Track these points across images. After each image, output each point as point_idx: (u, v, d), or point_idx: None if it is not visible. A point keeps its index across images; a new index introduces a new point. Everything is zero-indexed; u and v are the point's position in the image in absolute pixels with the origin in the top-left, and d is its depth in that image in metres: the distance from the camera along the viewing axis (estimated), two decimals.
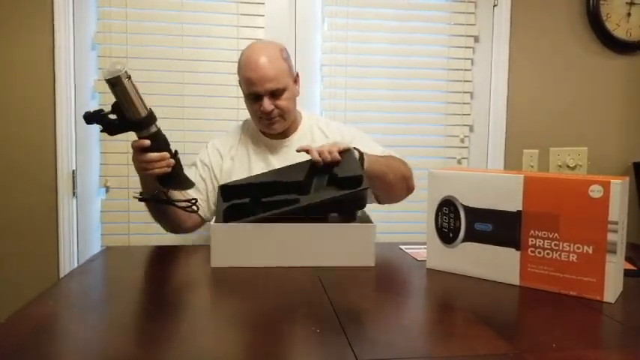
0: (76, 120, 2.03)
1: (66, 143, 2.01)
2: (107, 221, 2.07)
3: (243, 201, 1.22)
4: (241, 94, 1.55)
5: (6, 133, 2.00)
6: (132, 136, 1.23)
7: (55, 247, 2.03)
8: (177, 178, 1.29)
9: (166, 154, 1.24)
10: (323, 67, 2.17)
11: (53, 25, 1.98)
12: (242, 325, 0.80)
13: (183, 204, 1.32)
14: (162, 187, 1.29)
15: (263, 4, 2.11)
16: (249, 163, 1.52)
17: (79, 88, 2.04)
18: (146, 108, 1.20)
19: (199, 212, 1.46)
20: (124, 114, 1.18)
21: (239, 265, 1.08)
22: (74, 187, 2.05)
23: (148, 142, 1.21)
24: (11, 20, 1.97)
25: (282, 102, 1.46)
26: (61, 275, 2.02)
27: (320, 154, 1.22)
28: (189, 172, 1.44)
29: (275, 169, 1.37)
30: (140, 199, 1.33)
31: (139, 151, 1.22)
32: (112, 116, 1.19)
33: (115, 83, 1.13)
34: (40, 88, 2.00)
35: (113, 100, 1.18)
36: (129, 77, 1.15)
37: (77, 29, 2.02)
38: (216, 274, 1.09)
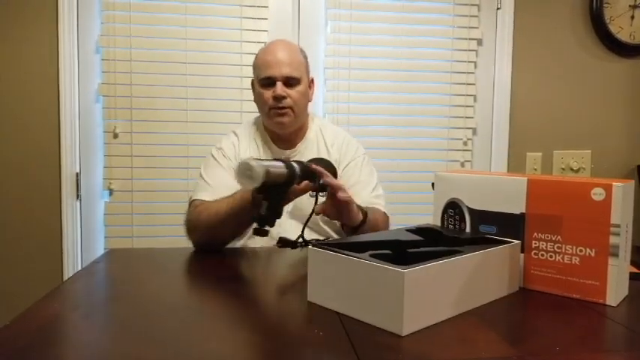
0: (80, 123, 2.05)
1: (70, 146, 2.02)
2: (111, 224, 2.08)
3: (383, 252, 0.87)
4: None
5: (10, 135, 2.01)
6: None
7: (59, 249, 2.04)
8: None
9: (309, 183, 1.16)
10: (326, 70, 2.17)
11: (57, 28, 2.00)
12: (246, 326, 0.80)
13: None
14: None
15: (267, 7, 2.12)
16: None
17: (83, 91, 2.05)
18: (286, 165, 1.09)
19: None
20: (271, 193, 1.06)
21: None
22: (78, 189, 2.06)
23: (308, 183, 1.14)
24: (16, 23, 1.99)
25: (295, 93, 1.43)
26: (65, 277, 2.03)
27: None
28: (213, 178, 1.42)
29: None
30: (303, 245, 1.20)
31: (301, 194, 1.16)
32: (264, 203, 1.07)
33: (266, 179, 1.01)
34: (45, 91, 2.01)
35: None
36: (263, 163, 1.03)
37: (81, 33, 2.03)
38: (219, 276, 1.10)
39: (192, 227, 1.33)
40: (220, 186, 1.37)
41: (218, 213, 1.27)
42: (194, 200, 1.40)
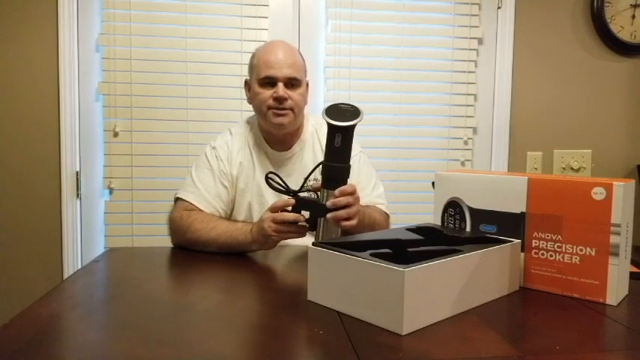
0: (80, 121, 2.04)
1: (70, 145, 2.02)
2: (111, 222, 2.08)
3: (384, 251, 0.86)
4: (244, 95, 1.54)
5: (10, 134, 2.01)
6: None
7: (59, 248, 2.04)
8: None
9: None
10: (326, 69, 2.17)
11: (57, 27, 1.99)
12: (245, 326, 0.80)
13: None
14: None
15: (267, 6, 2.11)
16: (254, 172, 1.47)
17: (83, 90, 2.04)
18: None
19: None
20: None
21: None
22: (78, 188, 2.06)
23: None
24: (16, 22, 1.98)
25: (296, 95, 1.41)
26: (65, 276, 2.02)
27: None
28: (203, 180, 1.41)
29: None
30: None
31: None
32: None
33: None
34: (45, 90, 2.01)
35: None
36: None
37: (81, 31, 2.03)
38: (219, 276, 1.10)
39: (176, 229, 1.34)
40: (206, 191, 1.40)
41: (206, 237, 1.28)
42: (179, 199, 1.40)
